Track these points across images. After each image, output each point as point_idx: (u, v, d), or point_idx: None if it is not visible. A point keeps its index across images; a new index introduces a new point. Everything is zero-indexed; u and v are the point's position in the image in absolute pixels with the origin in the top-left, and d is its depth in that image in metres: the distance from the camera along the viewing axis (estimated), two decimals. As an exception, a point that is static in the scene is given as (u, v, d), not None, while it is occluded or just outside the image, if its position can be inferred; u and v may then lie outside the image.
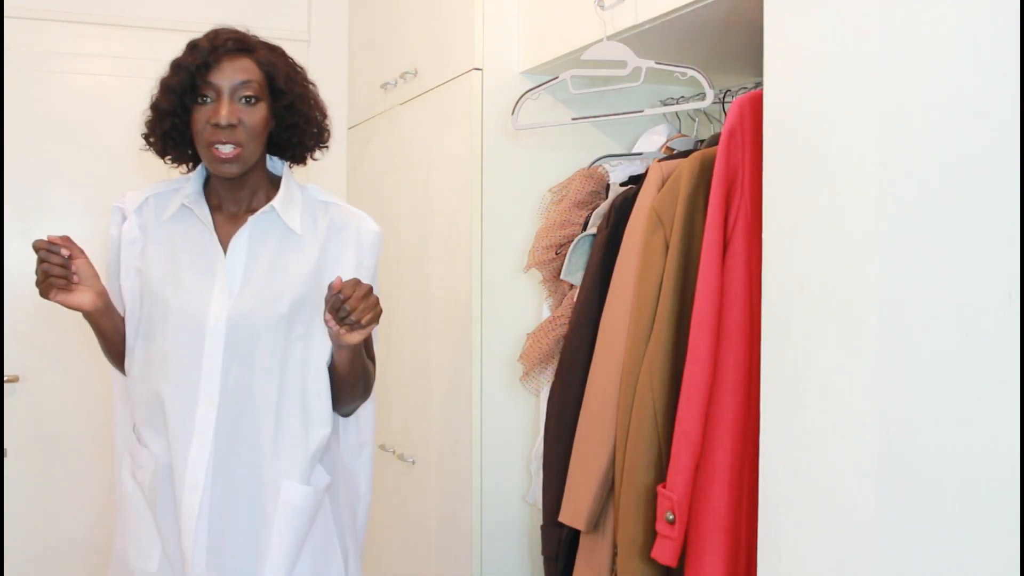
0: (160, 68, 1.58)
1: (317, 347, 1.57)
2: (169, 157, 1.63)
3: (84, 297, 1.54)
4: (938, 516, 0.98)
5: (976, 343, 0.94)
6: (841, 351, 1.11)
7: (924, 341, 1.00)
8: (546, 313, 1.98)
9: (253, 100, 1.51)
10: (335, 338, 1.50)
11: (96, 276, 1.56)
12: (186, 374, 1.54)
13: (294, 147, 1.63)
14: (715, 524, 1.42)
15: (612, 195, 1.90)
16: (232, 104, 1.50)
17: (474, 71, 2.14)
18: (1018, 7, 0.89)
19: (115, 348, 1.64)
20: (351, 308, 1.42)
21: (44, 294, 1.50)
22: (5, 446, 2.74)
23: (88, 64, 2.88)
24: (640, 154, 1.94)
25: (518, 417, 2.18)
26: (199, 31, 1.56)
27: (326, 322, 1.48)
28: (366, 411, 1.74)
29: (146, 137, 1.61)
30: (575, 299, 1.83)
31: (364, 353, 1.61)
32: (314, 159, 1.68)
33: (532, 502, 2.07)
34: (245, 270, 1.55)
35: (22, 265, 2.80)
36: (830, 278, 1.12)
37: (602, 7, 1.78)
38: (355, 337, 1.46)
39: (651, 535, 1.51)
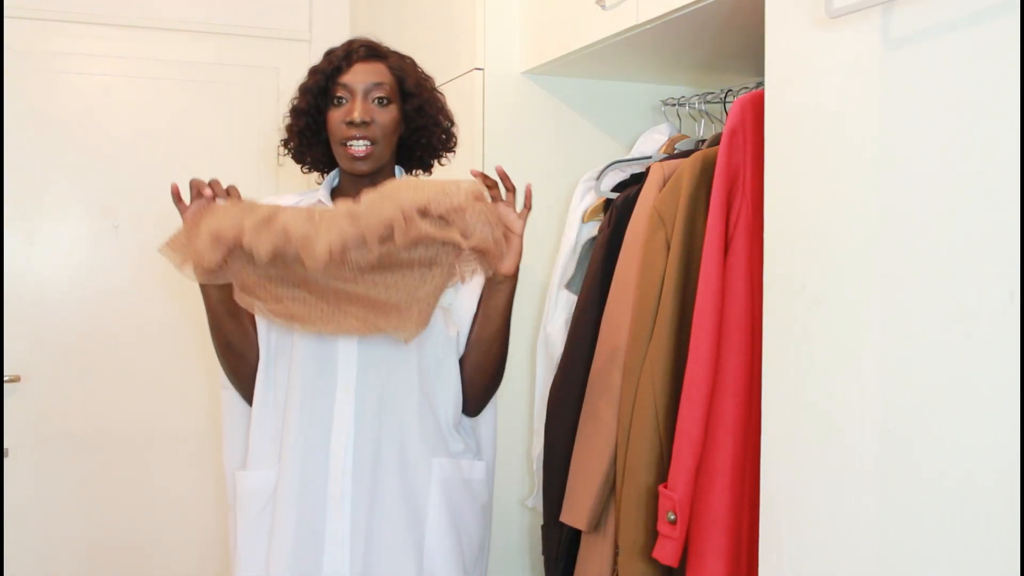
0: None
1: (441, 323, 1.61)
2: (306, 164, 1.70)
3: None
4: (938, 517, 0.98)
5: (977, 344, 0.94)
6: (842, 351, 1.11)
7: (925, 341, 1.00)
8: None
9: (385, 101, 1.58)
10: (495, 269, 1.51)
11: None
12: (321, 362, 1.56)
13: (423, 148, 1.69)
14: (716, 524, 1.42)
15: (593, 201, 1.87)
16: (365, 103, 1.57)
17: (475, 71, 2.14)
18: (1018, 2, 0.89)
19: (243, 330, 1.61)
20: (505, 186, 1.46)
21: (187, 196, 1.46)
22: (6, 446, 2.74)
23: (88, 64, 2.88)
24: (649, 157, 1.93)
25: (518, 417, 2.18)
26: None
27: (467, 270, 1.48)
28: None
29: (285, 142, 1.68)
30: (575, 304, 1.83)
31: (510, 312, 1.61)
32: (441, 165, 1.74)
33: (532, 506, 2.06)
34: None
35: (22, 265, 2.80)
36: (831, 278, 1.12)
37: (603, 7, 1.78)
38: (508, 262, 1.49)
39: (652, 535, 1.51)
